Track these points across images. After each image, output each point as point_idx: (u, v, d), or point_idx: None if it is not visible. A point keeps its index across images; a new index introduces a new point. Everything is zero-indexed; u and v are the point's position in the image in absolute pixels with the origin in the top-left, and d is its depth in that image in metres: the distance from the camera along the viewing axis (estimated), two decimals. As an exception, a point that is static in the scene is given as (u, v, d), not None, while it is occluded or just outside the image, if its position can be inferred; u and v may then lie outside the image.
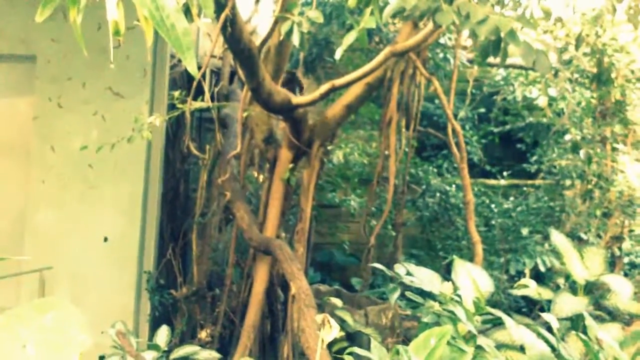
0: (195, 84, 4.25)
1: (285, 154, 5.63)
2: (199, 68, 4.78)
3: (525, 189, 8.05)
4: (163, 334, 4.65)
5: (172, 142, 6.55)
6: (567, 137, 6.43)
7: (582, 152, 6.03)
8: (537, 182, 7.88)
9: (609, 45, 6.01)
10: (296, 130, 5.42)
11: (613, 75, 6.30)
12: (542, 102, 6.80)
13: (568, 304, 4.66)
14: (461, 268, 3.96)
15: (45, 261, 5.55)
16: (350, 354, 2.69)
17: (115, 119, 5.62)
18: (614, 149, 6.35)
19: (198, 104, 4.84)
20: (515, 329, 3.25)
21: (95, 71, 5.68)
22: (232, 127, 6.16)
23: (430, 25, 3.86)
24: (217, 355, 4.71)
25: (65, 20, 1.67)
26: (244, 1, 6.71)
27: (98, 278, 5.66)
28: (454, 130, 5.69)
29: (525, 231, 7.00)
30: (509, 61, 6.06)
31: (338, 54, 2.88)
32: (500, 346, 4.02)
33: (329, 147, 6.02)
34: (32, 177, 5.88)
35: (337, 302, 5.44)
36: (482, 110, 8.22)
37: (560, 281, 5.67)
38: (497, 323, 3.99)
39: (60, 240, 5.72)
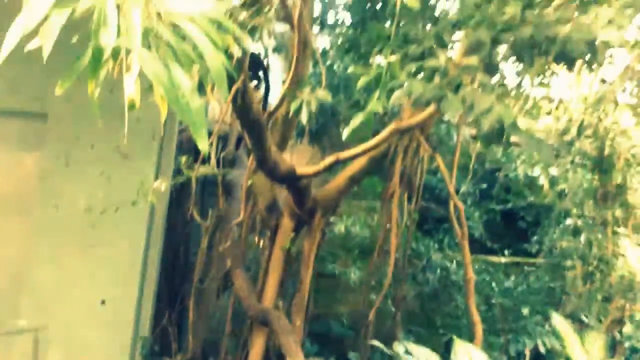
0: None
1: (286, 223, 5.64)
2: (209, 134, 4.89)
3: (526, 268, 8.00)
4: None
5: (176, 205, 6.57)
6: (569, 221, 6.45)
7: (582, 237, 6.05)
8: (538, 260, 7.85)
9: (610, 129, 6.12)
10: (299, 200, 5.45)
11: (614, 157, 6.38)
12: (543, 181, 6.86)
13: (568, 389, 4.57)
14: (461, 349, 3.92)
15: (40, 321, 5.49)
16: None
17: (121, 180, 5.67)
18: (614, 233, 6.36)
19: (204, 170, 4.90)
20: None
21: (105, 132, 5.75)
22: (236, 193, 6.20)
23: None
24: None
25: (79, 80, 1.73)
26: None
27: (92, 341, 5.57)
28: (455, 206, 5.71)
29: (525, 311, 6.93)
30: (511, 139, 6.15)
31: (345, 135, 2.94)
32: None
33: (331, 219, 6.03)
34: (32, 234, 5.87)
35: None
36: (484, 185, 8.28)
37: (561, 364, 5.57)
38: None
39: (56, 300, 5.66)
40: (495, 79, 2.95)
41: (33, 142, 6.22)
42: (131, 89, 1.82)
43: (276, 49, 6.46)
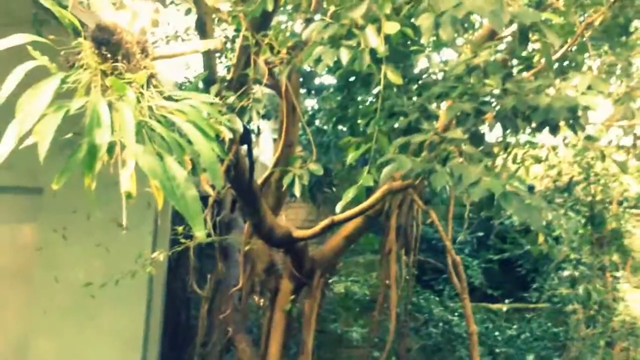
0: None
1: (286, 285, 5.64)
2: (205, 200, 4.94)
3: (527, 315, 7.96)
4: None
5: (174, 271, 6.56)
6: (566, 272, 6.45)
7: (580, 288, 6.05)
8: (540, 305, 7.82)
9: (601, 175, 6.19)
10: (297, 262, 5.47)
11: (607, 201, 6.43)
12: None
13: None
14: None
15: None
16: None
17: (119, 250, 5.67)
18: (613, 277, 6.37)
19: (201, 238, 4.92)
20: None
21: (101, 204, 5.78)
22: (233, 256, 6.21)
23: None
24: None
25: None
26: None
27: (94, 415, 5.51)
28: (453, 260, 5.72)
29: (530, 358, 6.88)
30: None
31: (338, 208, 2.99)
32: None
33: (330, 280, 6.04)
34: (34, 307, 5.87)
35: None
36: (481, 234, 8.31)
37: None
38: None
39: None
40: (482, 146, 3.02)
41: (29, 216, 6.26)
42: (127, 184, 1.86)
43: (265, 116, 6.56)
